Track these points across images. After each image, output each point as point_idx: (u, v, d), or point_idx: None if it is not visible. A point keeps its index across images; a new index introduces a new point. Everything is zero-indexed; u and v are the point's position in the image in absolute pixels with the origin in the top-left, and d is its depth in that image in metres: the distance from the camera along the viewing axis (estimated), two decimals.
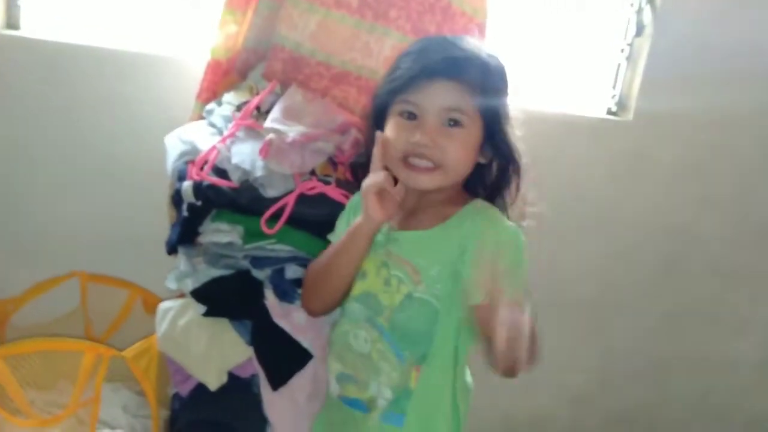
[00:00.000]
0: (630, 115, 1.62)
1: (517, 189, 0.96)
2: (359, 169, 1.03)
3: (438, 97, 0.88)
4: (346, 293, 0.97)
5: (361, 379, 0.94)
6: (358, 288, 0.95)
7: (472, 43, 0.93)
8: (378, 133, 0.91)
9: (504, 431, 1.74)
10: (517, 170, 0.95)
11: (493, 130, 0.92)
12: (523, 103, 1.51)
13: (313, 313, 1.02)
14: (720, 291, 1.78)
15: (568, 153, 1.61)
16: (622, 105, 1.65)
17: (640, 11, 1.58)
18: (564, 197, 1.63)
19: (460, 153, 0.90)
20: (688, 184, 1.69)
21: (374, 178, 0.89)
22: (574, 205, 1.64)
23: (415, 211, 0.94)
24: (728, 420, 1.90)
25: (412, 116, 0.90)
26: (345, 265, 0.94)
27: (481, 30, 1.22)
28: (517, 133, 0.95)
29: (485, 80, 0.91)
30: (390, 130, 0.91)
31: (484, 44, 0.97)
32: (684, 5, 1.54)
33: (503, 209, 0.96)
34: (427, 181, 0.90)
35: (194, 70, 1.28)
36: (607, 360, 1.80)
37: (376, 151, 0.90)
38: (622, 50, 1.62)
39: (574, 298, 1.71)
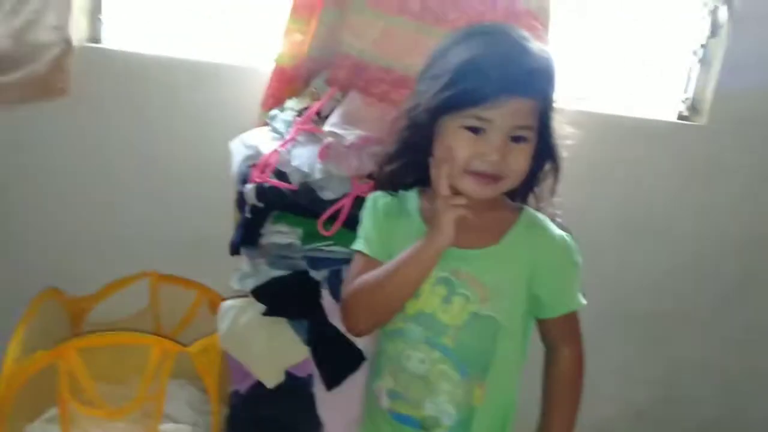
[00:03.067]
0: (704, 120, 1.55)
1: (553, 191, 0.95)
2: (392, 176, 0.96)
3: (512, 116, 0.84)
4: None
5: (413, 398, 0.92)
6: (412, 308, 0.90)
7: (537, 45, 0.89)
8: (444, 151, 0.87)
9: None
10: (556, 170, 0.94)
11: (546, 135, 0.91)
12: (592, 106, 1.51)
13: (358, 333, 0.96)
14: None
15: (638, 158, 1.55)
16: (694, 109, 1.58)
17: (714, 11, 1.51)
18: (632, 204, 1.58)
19: (524, 167, 0.88)
20: (763, 193, 1.59)
21: (457, 201, 0.85)
22: (642, 213, 1.58)
23: (467, 223, 0.88)
24: None
25: (476, 130, 0.85)
26: (405, 286, 0.88)
27: (545, 28, 1.20)
28: (565, 130, 0.93)
29: (551, 91, 0.89)
30: (453, 142, 0.86)
31: (543, 43, 0.94)
32: (762, 5, 1.46)
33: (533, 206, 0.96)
34: (491, 192, 0.89)
35: (260, 78, 1.32)
36: (673, 374, 1.71)
37: (444, 169, 0.85)
38: (695, 52, 1.55)
39: (640, 310, 1.64)
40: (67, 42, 1.36)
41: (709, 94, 1.54)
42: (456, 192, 0.86)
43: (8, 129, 1.48)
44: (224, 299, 1.20)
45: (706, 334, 1.68)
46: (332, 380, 1.06)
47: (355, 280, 0.91)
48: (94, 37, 1.51)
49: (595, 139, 1.49)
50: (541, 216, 0.95)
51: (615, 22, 1.54)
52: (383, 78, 1.22)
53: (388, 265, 0.89)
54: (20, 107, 1.40)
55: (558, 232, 0.93)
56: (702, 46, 1.54)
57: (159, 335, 1.47)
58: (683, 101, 1.58)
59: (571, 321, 0.94)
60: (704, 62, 1.55)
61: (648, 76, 1.58)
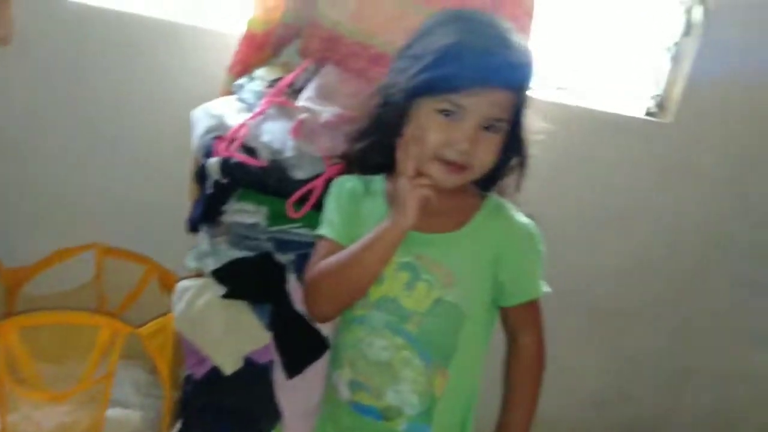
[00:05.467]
0: (670, 118, 1.56)
1: (518, 186, 0.95)
2: (362, 154, 0.95)
3: (489, 106, 0.84)
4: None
5: (375, 387, 0.90)
6: (374, 293, 0.89)
7: (520, 39, 0.88)
8: (414, 132, 0.86)
9: None
10: (523, 165, 0.94)
11: (517, 129, 0.90)
12: (563, 97, 1.50)
13: (322, 318, 0.95)
14: (743, 302, 1.72)
15: (601, 152, 1.55)
16: (662, 106, 1.59)
17: (690, 10, 1.51)
18: (592, 198, 1.59)
19: (492, 157, 0.88)
20: (723, 192, 1.63)
21: (421, 182, 0.84)
22: (601, 207, 1.60)
23: (431, 207, 0.87)
24: None
25: (450, 114, 0.85)
26: (369, 269, 0.86)
27: (529, 18, 1.17)
28: (537, 126, 0.93)
29: (527, 86, 0.89)
30: (425, 126, 0.85)
31: (526, 32, 0.93)
32: (736, 7, 1.47)
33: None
34: (457, 180, 0.88)
35: (227, 42, 1.24)
36: (623, 367, 1.75)
37: (412, 150, 0.85)
38: (668, 49, 1.55)
39: (593, 303, 1.67)
40: None
41: (677, 92, 1.55)
42: (421, 175, 0.85)
43: None
44: (175, 277, 1.14)
45: (654, 328, 1.72)
46: (294, 368, 1.02)
47: (318, 264, 0.89)
48: None
49: (564, 130, 1.49)
50: (506, 203, 0.95)
51: (591, 15, 1.52)
52: (360, 53, 1.16)
53: (351, 248, 0.88)
54: None
55: (523, 219, 0.93)
56: (675, 44, 1.54)
57: (103, 312, 1.39)
58: (652, 98, 1.59)
59: (532, 309, 0.94)
60: (676, 60, 1.55)
61: (622, 71, 1.58)
